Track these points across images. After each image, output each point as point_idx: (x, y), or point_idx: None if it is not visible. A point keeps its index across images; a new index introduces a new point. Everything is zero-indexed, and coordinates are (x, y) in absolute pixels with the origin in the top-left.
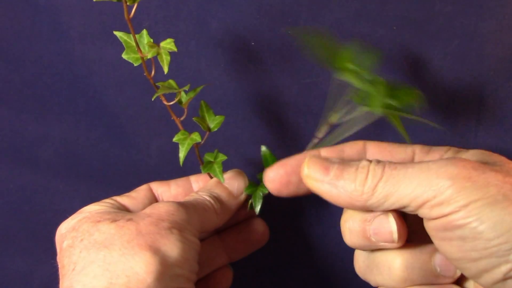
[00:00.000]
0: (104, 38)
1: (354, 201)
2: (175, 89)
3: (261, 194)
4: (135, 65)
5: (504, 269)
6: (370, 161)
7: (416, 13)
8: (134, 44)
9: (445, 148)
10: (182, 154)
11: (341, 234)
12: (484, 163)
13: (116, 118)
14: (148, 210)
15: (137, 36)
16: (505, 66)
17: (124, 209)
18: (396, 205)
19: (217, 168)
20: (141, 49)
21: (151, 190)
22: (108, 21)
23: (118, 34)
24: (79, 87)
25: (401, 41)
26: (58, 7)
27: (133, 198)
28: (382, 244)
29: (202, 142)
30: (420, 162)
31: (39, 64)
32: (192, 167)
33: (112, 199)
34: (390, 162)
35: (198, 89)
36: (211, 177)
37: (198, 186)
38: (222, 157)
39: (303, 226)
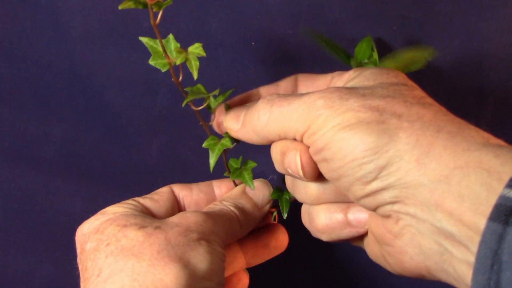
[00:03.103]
0: (104, 38)
1: (259, 138)
2: (204, 94)
3: (288, 198)
4: (162, 71)
5: (358, 186)
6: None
7: (416, 13)
8: (161, 49)
9: (335, 73)
10: (212, 160)
11: None
12: (355, 88)
13: (117, 118)
14: (176, 219)
15: (164, 41)
16: (505, 66)
17: (147, 212)
18: (287, 136)
19: (246, 175)
20: (168, 54)
21: (173, 193)
22: (109, 21)
23: (144, 39)
24: (79, 87)
25: (401, 41)
26: (59, 7)
27: (155, 201)
28: (295, 175)
29: (231, 148)
30: (302, 94)
31: (40, 64)
32: (192, 167)
33: (134, 200)
34: (280, 97)
35: (227, 93)
36: (236, 184)
37: (221, 192)
38: (252, 164)
39: None
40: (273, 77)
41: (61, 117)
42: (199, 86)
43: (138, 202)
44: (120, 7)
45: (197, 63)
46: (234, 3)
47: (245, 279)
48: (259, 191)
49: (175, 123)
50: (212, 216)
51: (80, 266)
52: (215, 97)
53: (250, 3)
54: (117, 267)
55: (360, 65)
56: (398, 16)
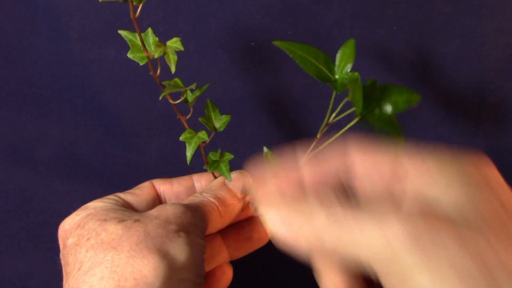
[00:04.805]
0: (103, 38)
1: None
2: (181, 87)
3: None
4: (140, 64)
5: None
6: None
7: (416, 13)
8: (139, 43)
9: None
10: (189, 153)
11: None
12: (443, 212)
13: (116, 118)
14: (155, 211)
15: (142, 35)
16: (505, 66)
17: (128, 206)
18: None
19: (223, 167)
20: (147, 48)
21: (153, 187)
22: (107, 21)
23: (122, 33)
24: (79, 87)
25: (401, 41)
26: (58, 7)
27: (136, 195)
28: None
29: (208, 141)
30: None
31: (39, 64)
32: (191, 167)
33: (115, 196)
34: (347, 213)
35: (204, 87)
36: (215, 177)
37: (201, 185)
38: (228, 156)
39: None
40: (273, 77)
41: (60, 118)
42: (177, 80)
43: (119, 196)
44: (100, 0)
45: (175, 57)
46: (234, 3)
47: (229, 272)
48: (238, 182)
49: (174, 123)
50: (192, 208)
51: (62, 262)
52: (192, 91)
53: (250, 3)
54: (97, 260)
55: (344, 79)
56: (398, 16)
